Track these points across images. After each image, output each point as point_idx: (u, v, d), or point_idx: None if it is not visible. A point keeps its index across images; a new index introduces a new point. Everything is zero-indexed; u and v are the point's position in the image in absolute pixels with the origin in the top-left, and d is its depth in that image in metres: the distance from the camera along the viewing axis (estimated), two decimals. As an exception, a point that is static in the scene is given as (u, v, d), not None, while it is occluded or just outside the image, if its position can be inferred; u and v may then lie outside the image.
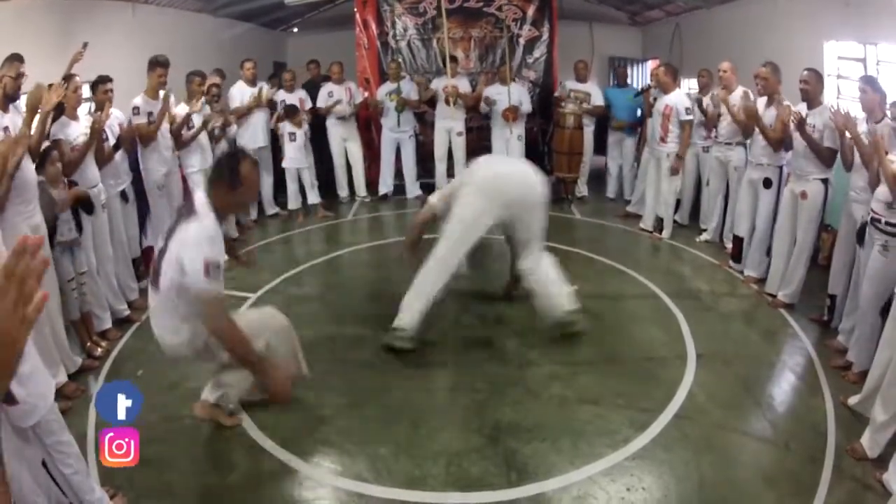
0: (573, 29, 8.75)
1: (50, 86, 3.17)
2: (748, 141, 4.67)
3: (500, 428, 2.83)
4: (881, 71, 4.35)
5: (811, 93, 3.80)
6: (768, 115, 4.20)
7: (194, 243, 2.29)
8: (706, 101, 5.36)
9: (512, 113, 6.58)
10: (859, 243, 3.34)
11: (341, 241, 5.80)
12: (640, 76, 9.69)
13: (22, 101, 3.18)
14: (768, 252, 4.33)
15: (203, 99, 4.82)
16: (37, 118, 3.10)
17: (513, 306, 4.13)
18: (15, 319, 0.68)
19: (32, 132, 3.06)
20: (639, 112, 6.61)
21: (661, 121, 5.37)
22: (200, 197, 2.43)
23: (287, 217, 6.37)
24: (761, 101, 4.33)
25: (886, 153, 2.97)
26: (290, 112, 6.02)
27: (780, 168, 4.27)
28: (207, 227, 2.33)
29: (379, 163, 7.10)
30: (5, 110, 3.07)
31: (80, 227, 3.43)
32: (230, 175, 2.41)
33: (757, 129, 4.26)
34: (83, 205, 3.46)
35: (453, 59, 6.80)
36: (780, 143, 4.11)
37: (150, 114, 4.32)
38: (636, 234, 5.71)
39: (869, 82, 3.46)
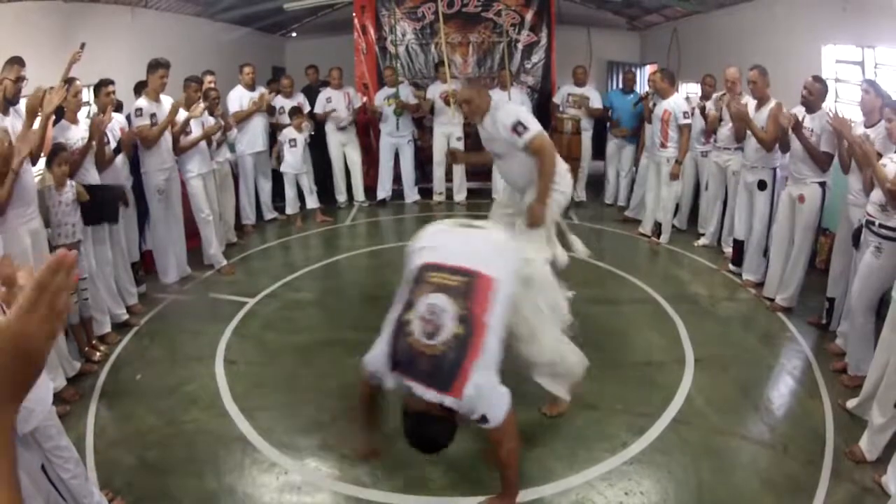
0: (571, 34, 8.76)
1: (50, 88, 3.18)
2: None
3: (498, 432, 2.82)
4: (879, 74, 4.36)
5: (814, 102, 3.80)
6: (759, 118, 4.21)
7: None
8: (709, 105, 5.37)
9: None
10: (855, 246, 3.35)
11: (339, 246, 5.79)
12: (638, 81, 9.70)
13: (22, 105, 3.19)
14: (765, 254, 4.34)
15: (203, 105, 4.83)
16: (37, 121, 3.11)
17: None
18: (42, 335, 0.67)
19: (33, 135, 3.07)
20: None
21: (660, 126, 5.38)
22: (434, 395, 2.07)
23: (285, 222, 6.38)
24: (752, 104, 4.34)
25: (880, 156, 2.99)
26: (294, 113, 6.05)
27: (774, 170, 4.28)
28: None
29: (377, 168, 7.10)
30: (5, 113, 3.08)
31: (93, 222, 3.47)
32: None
33: (749, 132, 4.28)
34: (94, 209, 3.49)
35: (446, 63, 6.73)
36: (772, 143, 4.12)
37: (152, 115, 4.33)
38: (634, 239, 5.71)
39: (872, 84, 3.46)
